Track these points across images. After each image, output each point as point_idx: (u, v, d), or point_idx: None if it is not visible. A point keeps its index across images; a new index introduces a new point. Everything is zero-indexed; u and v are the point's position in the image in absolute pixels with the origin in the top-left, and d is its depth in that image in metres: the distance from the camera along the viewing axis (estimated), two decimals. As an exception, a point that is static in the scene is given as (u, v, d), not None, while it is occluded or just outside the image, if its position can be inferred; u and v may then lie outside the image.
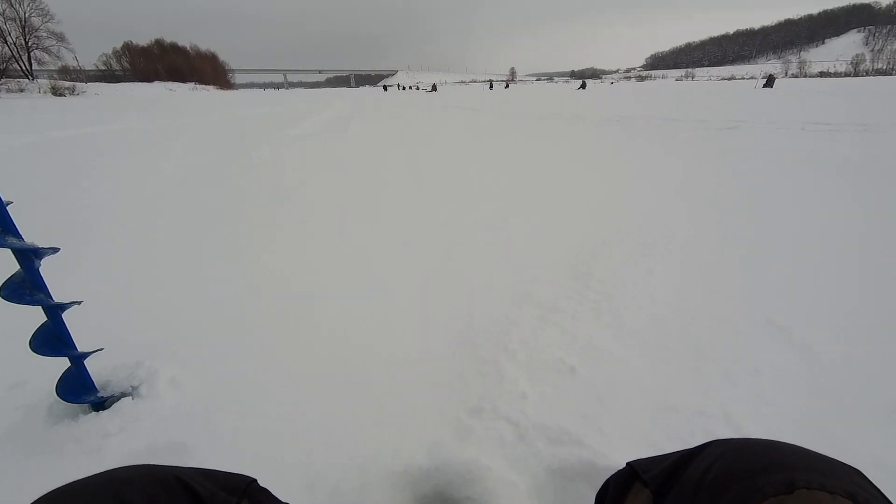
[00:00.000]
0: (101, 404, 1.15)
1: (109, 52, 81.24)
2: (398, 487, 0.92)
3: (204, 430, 1.09)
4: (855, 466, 0.38)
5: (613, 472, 0.59)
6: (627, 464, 0.55)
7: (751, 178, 3.46)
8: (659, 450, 0.60)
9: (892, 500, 0.35)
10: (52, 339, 1.05)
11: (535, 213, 2.76)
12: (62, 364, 1.09)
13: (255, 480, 0.53)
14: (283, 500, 0.59)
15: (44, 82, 34.77)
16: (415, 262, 2.08)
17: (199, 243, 2.39)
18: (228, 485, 0.48)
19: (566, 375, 1.27)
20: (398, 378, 1.28)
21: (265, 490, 0.56)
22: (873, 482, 0.36)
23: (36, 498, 0.37)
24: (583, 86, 32.32)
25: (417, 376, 1.29)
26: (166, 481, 0.41)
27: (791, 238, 2.23)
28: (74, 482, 0.39)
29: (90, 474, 0.41)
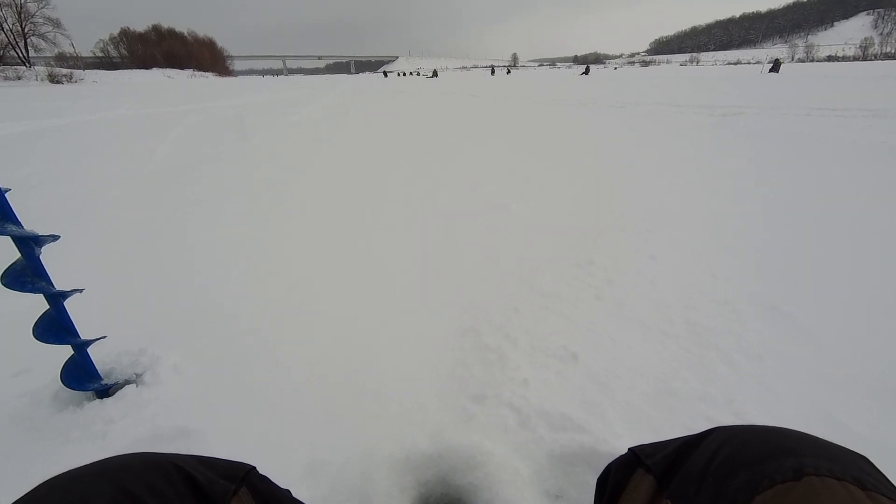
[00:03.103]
0: (105, 392, 1.16)
1: (106, 38, 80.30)
2: (401, 473, 0.93)
3: (207, 417, 1.10)
4: (861, 452, 0.37)
5: (615, 458, 0.58)
6: (629, 449, 0.55)
7: (755, 164, 3.42)
8: (661, 436, 0.60)
9: None
10: (54, 326, 1.05)
11: (537, 199, 2.74)
12: (66, 352, 1.09)
13: (254, 468, 0.53)
14: (283, 487, 0.59)
15: (41, 70, 34.46)
16: (416, 249, 2.07)
17: (201, 229, 2.38)
18: (227, 472, 0.48)
19: (568, 362, 1.27)
20: (400, 364, 1.29)
21: (264, 477, 0.56)
22: (879, 469, 0.36)
23: (36, 485, 0.37)
24: (586, 71, 31.85)
25: (420, 363, 1.29)
26: (164, 468, 0.41)
27: (795, 223, 2.21)
28: (72, 470, 0.39)
29: (90, 462, 0.41)
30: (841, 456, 0.36)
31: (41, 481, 0.38)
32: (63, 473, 0.38)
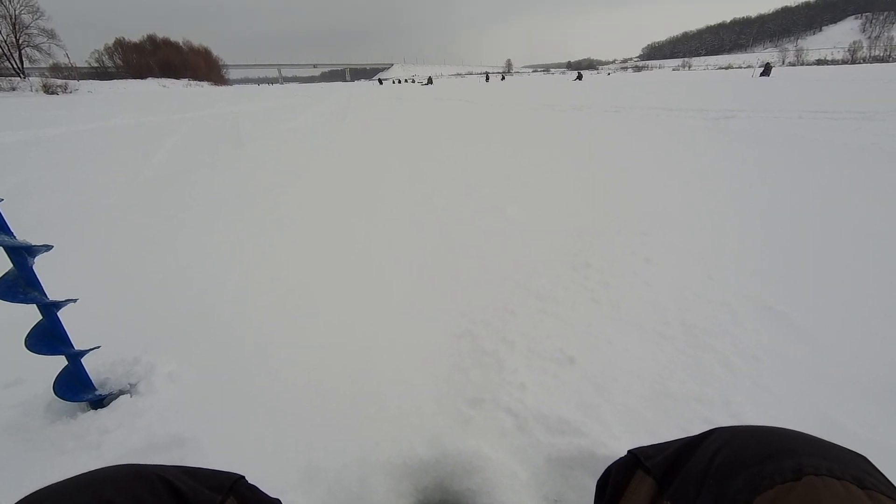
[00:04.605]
0: (99, 402, 1.15)
1: (101, 48, 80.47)
2: (398, 479, 0.92)
3: (203, 424, 1.09)
4: (860, 452, 0.38)
5: (615, 460, 0.58)
6: (629, 451, 0.54)
7: (749, 166, 3.45)
8: (658, 438, 0.60)
9: None
10: (48, 337, 1.04)
11: (532, 202, 2.75)
12: (59, 362, 1.08)
13: (242, 477, 0.53)
14: (274, 497, 0.59)
15: (35, 80, 34.35)
16: (412, 253, 2.07)
17: (197, 235, 2.37)
18: (213, 482, 0.48)
19: (565, 365, 1.27)
20: (397, 368, 1.28)
21: (253, 487, 0.55)
22: (879, 468, 0.36)
23: (20, 498, 0.36)
24: (579, 77, 32.15)
25: (417, 367, 1.29)
26: (149, 480, 0.41)
27: (790, 224, 2.22)
28: (56, 483, 0.39)
29: (77, 474, 0.40)
30: (840, 455, 0.36)
31: (33, 490, 0.37)
32: (47, 486, 0.38)
